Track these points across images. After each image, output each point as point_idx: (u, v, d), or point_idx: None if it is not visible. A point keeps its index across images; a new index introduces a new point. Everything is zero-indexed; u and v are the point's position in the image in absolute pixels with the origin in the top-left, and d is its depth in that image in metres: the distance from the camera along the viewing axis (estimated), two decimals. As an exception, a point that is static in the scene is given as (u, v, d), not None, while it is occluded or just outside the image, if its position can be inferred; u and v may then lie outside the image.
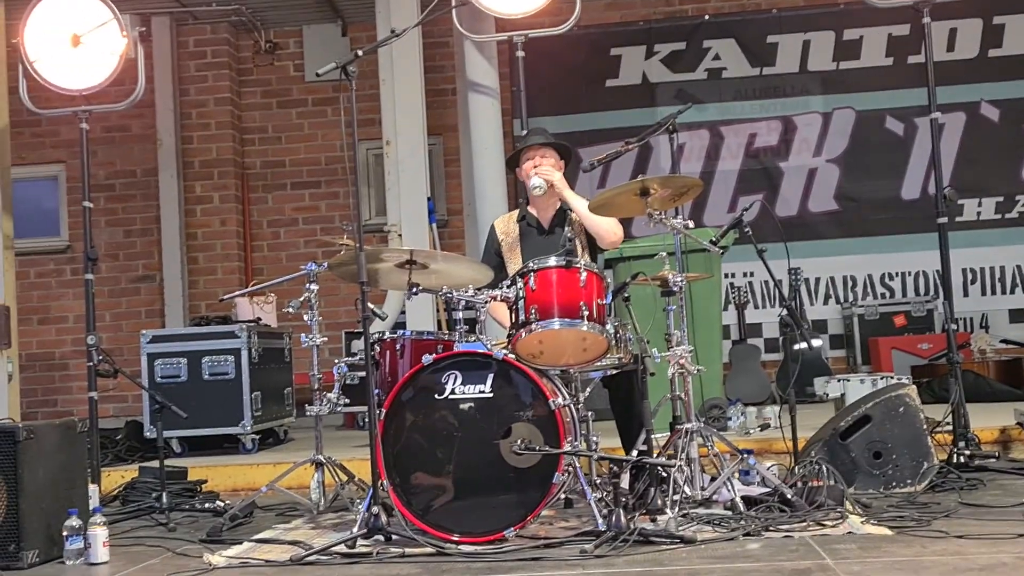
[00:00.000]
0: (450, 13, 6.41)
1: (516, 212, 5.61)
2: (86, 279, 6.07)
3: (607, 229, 5.23)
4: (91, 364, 5.76)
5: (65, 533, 4.47)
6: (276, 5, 10.69)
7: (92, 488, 5.04)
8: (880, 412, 5.03)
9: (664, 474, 4.44)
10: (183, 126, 11.10)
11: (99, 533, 4.44)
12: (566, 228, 5.19)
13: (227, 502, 5.66)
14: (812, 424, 5.52)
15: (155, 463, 5.84)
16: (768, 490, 4.57)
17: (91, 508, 4.67)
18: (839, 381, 6.60)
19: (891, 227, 10.26)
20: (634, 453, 4.68)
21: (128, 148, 10.99)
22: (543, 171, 5.23)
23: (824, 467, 4.60)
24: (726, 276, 8.64)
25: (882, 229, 10.30)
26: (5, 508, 4.42)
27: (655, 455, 4.64)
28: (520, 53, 6.45)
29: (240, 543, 4.56)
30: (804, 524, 4.15)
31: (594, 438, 4.67)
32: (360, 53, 4.88)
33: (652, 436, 4.68)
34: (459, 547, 4.06)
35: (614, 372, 4.79)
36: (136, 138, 10.95)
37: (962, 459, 5.44)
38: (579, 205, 5.23)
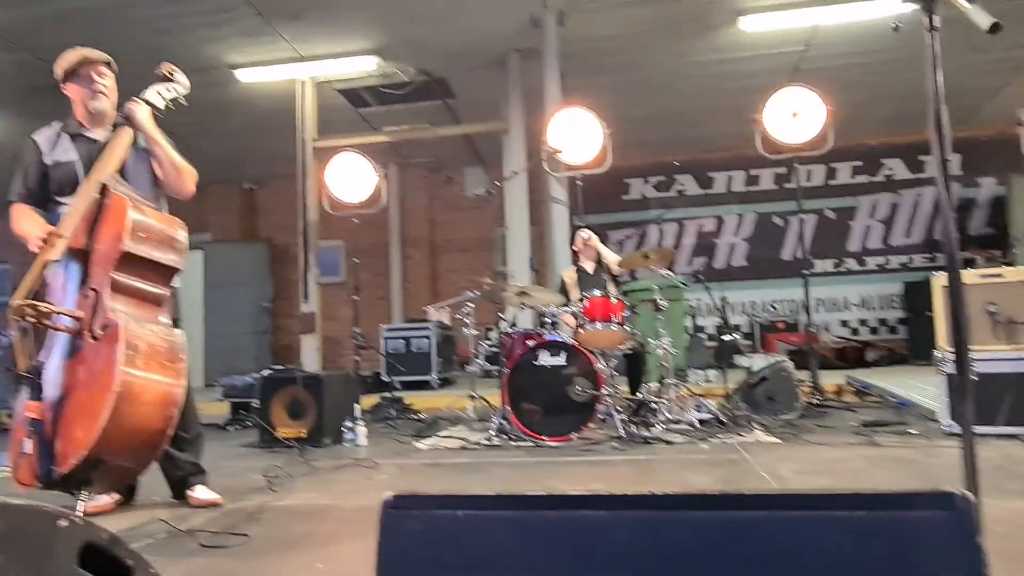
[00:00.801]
0: (541, 160, 6.44)
1: (573, 266, 5.60)
2: (354, 299, 6.19)
3: (613, 261, 5.26)
4: (356, 342, 5.87)
5: (343, 429, 4.57)
6: (451, 156, 10.81)
7: (356, 406, 5.12)
8: (772, 374, 4.92)
9: (655, 406, 4.40)
10: (403, 220, 11.28)
11: (361, 429, 4.54)
12: (601, 275, 5.18)
13: (424, 415, 5.72)
14: (734, 380, 5.41)
15: (388, 394, 5.94)
16: (711, 416, 4.49)
17: (356, 416, 4.76)
18: (748, 357, 6.49)
19: (776, 274, 10.04)
20: (639, 395, 4.64)
21: (375, 231, 11.19)
22: (584, 234, 5.32)
23: (742, 404, 4.52)
24: (686, 300, 8.54)
25: (771, 275, 10.08)
26: (315, 416, 4.53)
27: (650, 396, 4.59)
28: (579, 182, 6.46)
29: (431, 437, 4.61)
30: (731, 435, 4.09)
31: (618, 387, 4.65)
32: (497, 183, 4.93)
33: (648, 386, 4.63)
34: (547, 443, 4.07)
35: (628, 352, 4.74)
36: (379, 226, 11.14)
37: (816, 401, 5.28)
38: (607, 253, 5.29)
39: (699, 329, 9.65)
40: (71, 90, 2.75)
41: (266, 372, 4.83)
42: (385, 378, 7.58)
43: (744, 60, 7.69)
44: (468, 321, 5.40)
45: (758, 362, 6.12)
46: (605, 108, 7.52)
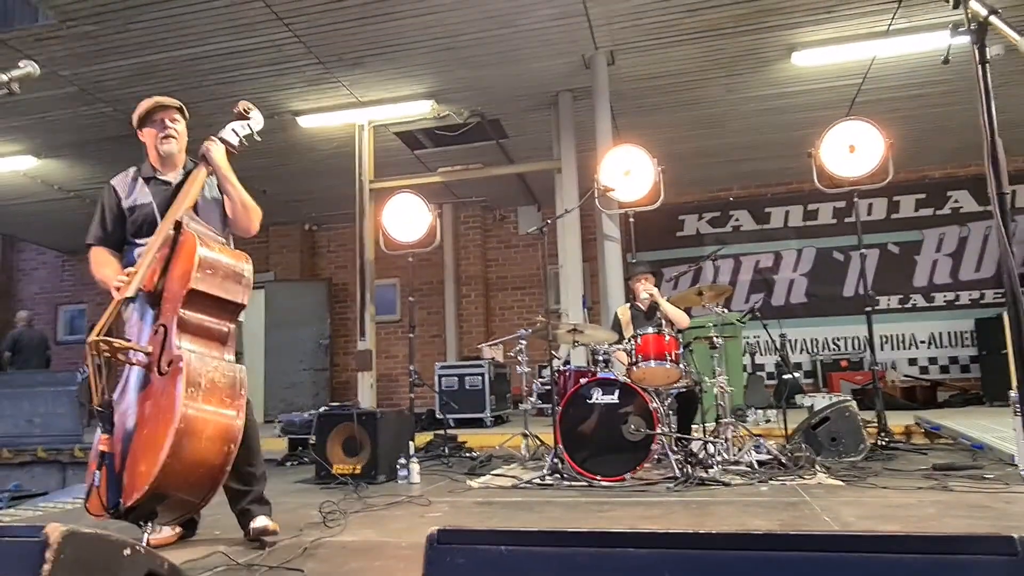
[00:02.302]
0: (594, 198, 6.47)
1: (628, 304, 5.55)
2: (409, 336, 6.26)
3: (680, 319, 5.04)
4: (411, 379, 5.92)
5: (398, 467, 4.59)
6: (504, 196, 10.97)
7: (411, 444, 5.15)
8: (835, 414, 4.76)
9: (712, 446, 4.31)
10: (457, 259, 11.42)
11: (415, 467, 4.55)
12: (656, 313, 5.12)
13: (477, 453, 5.71)
14: (794, 421, 5.24)
15: (442, 432, 5.95)
16: (771, 457, 4.37)
17: (410, 454, 4.78)
18: (810, 397, 6.29)
19: (837, 311, 9.75)
20: (695, 435, 4.55)
21: (429, 270, 11.37)
22: (649, 289, 5.16)
23: (803, 445, 4.38)
24: (744, 337, 8.36)
25: (832, 312, 9.80)
26: (370, 452, 4.57)
27: (707, 436, 4.49)
28: (631, 219, 6.47)
29: (484, 475, 4.60)
30: (792, 477, 3.98)
31: (673, 426, 4.57)
32: (550, 221, 4.98)
33: (705, 425, 4.54)
34: (600, 483, 4.02)
35: (683, 390, 4.65)
36: (434, 265, 11.31)
37: (883, 443, 5.06)
38: (666, 307, 5.11)
39: (758, 367, 9.42)
40: (145, 135, 2.90)
41: (323, 409, 4.92)
42: (439, 415, 7.61)
43: (799, 94, 7.62)
44: (521, 359, 5.41)
45: (820, 401, 5.92)
46: (657, 145, 7.56)
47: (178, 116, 2.93)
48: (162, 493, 2.29)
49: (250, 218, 2.91)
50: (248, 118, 3.00)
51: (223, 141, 2.93)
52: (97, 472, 2.33)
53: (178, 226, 2.65)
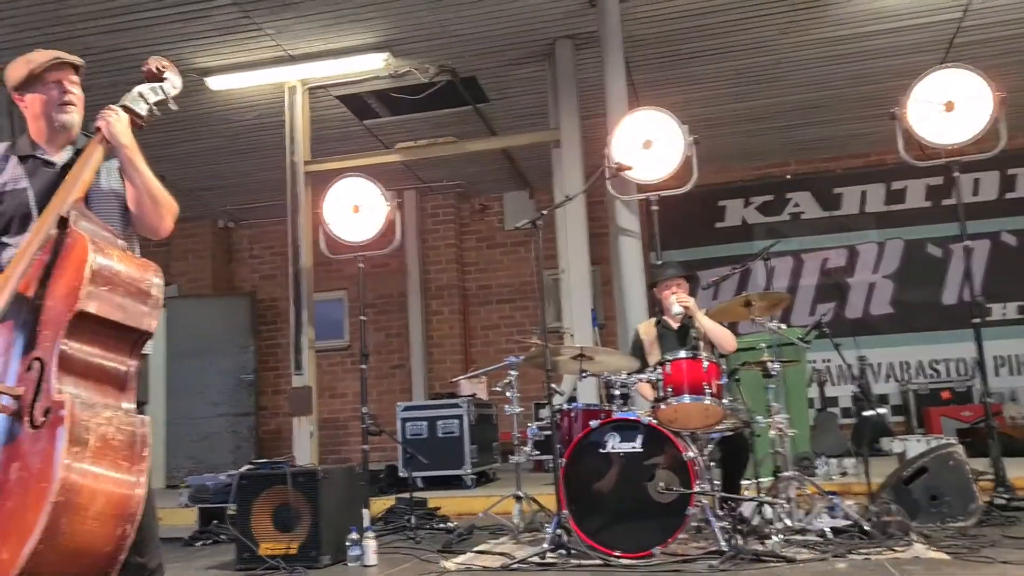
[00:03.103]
0: (604, 180, 6.49)
1: (653, 319, 5.54)
2: (361, 368, 6.24)
3: (725, 340, 4.96)
4: (364, 426, 5.89)
5: (348, 543, 4.57)
6: (485, 179, 11.00)
7: (365, 512, 5.12)
8: (935, 464, 4.76)
9: (770, 509, 4.31)
10: (424, 263, 11.43)
11: (371, 544, 4.53)
12: (692, 331, 5.11)
13: (455, 523, 5.68)
14: (880, 473, 5.23)
15: (406, 495, 5.93)
16: (850, 523, 4.35)
17: (365, 526, 4.75)
18: (900, 440, 6.32)
19: (935, 325, 9.83)
20: (747, 493, 4.56)
21: (388, 278, 11.37)
22: (682, 299, 5.03)
23: (893, 506, 4.40)
24: (810, 362, 8.38)
25: (928, 326, 9.87)
26: (309, 525, 4.54)
27: (761, 495, 4.50)
28: (655, 207, 6.49)
29: (464, 553, 4.57)
30: (879, 550, 3.96)
31: (716, 482, 4.57)
32: (546, 211, 4.98)
33: (759, 481, 4.55)
34: (620, 560, 4.02)
35: (729, 434, 4.64)
36: (393, 271, 11.31)
37: (1002, 501, 5.06)
38: (705, 322, 5.02)
39: (829, 402, 9.42)
40: (32, 101, 2.83)
41: (246, 468, 4.88)
42: (403, 473, 7.57)
43: (877, 35, 7.67)
44: (511, 395, 5.39)
45: (914, 446, 5.93)
46: (688, 107, 7.59)
47: (75, 77, 2.91)
48: None
49: (160, 214, 2.86)
50: (162, 79, 2.97)
51: (127, 110, 2.88)
52: None
53: (63, 223, 2.60)
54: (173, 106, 3.00)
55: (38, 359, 2.44)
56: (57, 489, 2.22)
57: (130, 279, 2.55)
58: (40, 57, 2.85)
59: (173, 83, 2.99)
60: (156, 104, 2.95)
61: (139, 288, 2.57)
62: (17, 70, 2.83)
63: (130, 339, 2.56)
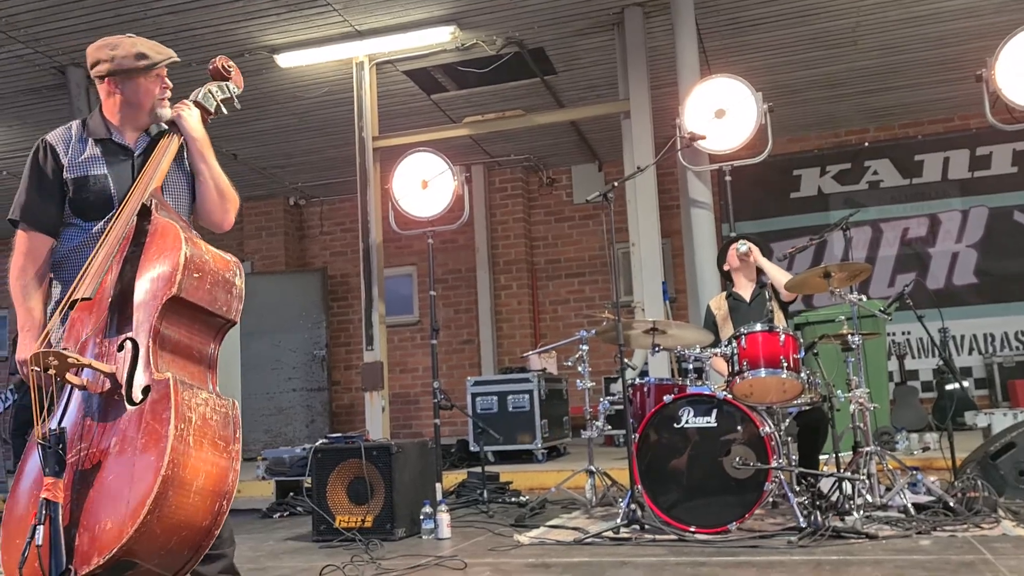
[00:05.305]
0: (676, 151, 6.40)
1: (724, 292, 5.48)
2: (431, 343, 6.28)
3: (780, 276, 5.05)
4: (435, 401, 5.93)
5: (421, 516, 4.62)
6: (553, 152, 10.96)
7: (437, 486, 5.17)
8: (1022, 438, 4.59)
9: (850, 484, 4.24)
10: (492, 238, 11.45)
11: (444, 517, 4.58)
12: (766, 301, 5.04)
13: (526, 497, 5.71)
14: (964, 447, 5.09)
15: (478, 469, 5.96)
16: (933, 499, 4.26)
17: (438, 500, 4.81)
18: (985, 414, 6.15)
19: (1021, 295, 9.59)
20: (826, 468, 4.49)
21: (457, 254, 11.43)
22: (746, 249, 5.15)
23: (979, 481, 4.28)
24: (889, 334, 8.20)
25: (1014, 297, 9.61)
26: (383, 498, 4.61)
27: (840, 471, 4.41)
28: (728, 177, 6.40)
29: (537, 527, 4.60)
30: (965, 527, 3.88)
31: (793, 457, 4.51)
32: (616, 184, 4.94)
33: (838, 455, 4.48)
34: (695, 535, 4.01)
35: (806, 408, 4.57)
36: (462, 247, 11.37)
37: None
38: (763, 262, 5.13)
39: (910, 375, 9.27)
40: (131, 88, 2.82)
41: (320, 442, 4.96)
42: (474, 447, 7.63)
43: (959, -4, 7.40)
44: (582, 370, 5.38)
45: (1000, 420, 5.77)
46: (761, 74, 7.42)
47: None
48: (131, 559, 2.28)
49: (226, 208, 2.92)
50: (228, 77, 3.02)
51: (198, 105, 2.93)
52: (39, 528, 2.33)
53: (145, 211, 2.66)
54: (237, 105, 3.05)
55: (130, 339, 2.51)
56: (167, 463, 2.28)
57: (216, 269, 2.64)
58: (163, 51, 2.85)
59: (237, 83, 3.05)
60: (222, 102, 3.00)
61: (224, 278, 2.66)
62: (124, 52, 2.80)
63: (216, 325, 2.65)
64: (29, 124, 8.81)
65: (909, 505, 4.18)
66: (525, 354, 8.68)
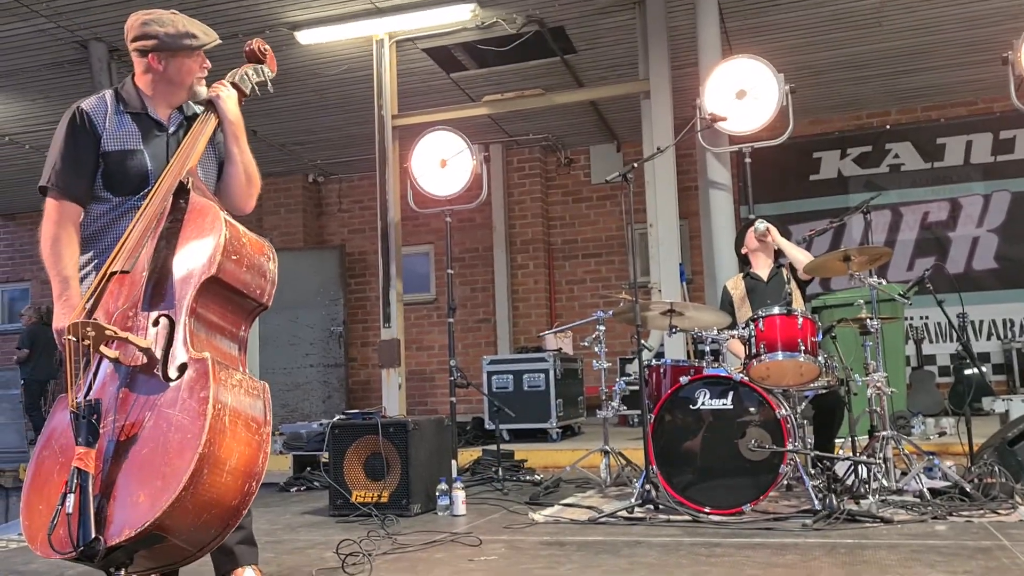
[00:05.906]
0: (696, 132, 6.37)
1: (741, 274, 5.45)
2: (448, 321, 6.30)
3: (800, 255, 5.04)
4: (451, 378, 5.95)
5: (437, 493, 4.65)
6: (572, 132, 10.91)
7: (453, 463, 5.20)
8: (1040, 424, 4.58)
9: (866, 468, 4.23)
10: (509, 217, 11.43)
11: (459, 494, 4.61)
12: (784, 283, 5.03)
13: (541, 476, 5.74)
14: (981, 433, 5.06)
15: (493, 447, 5.99)
16: (949, 484, 4.25)
17: (453, 477, 4.83)
18: (1003, 400, 6.12)
19: (1044, 280, 9.51)
20: (841, 452, 4.49)
21: (474, 233, 11.42)
22: (764, 227, 5.16)
23: (996, 467, 4.26)
24: (907, 319, 8.17)
25: (1034, 281, 9.54)
26: (399, 475, 4.64)
27: (856, 454, 4.41)
28: (747, 160, 6.37)
29: (552, 505, 4.62)
30: (981, 512, 3.87)
31: (809, 440, 4.51)
32: (636, 164, 4.92)
33: (855, 439, 4.48)
34: (709, 516, 4.02)
35: (823, 392, 4.57)
36: (479, 226, 11.35)
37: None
38: (781, 241, 5.14)
39: (927, 359, 9.21)
40: (174, 65, 2.79)
41: (338, 418, 5.00)
42: (489, 426, 7.67)
43: (986, -24, 7.30)
44: (598, 350, 5.38)
45: (1018, 406, 5.74)
46: (782, 55, 7.35)
47: None
48: (161, 534, 2.29)
49: (250, 192, 2.94)
50: (263, 60, 3.04)
51: (235, 87, 2.93)
52: (70, 496, 2.34)
53: (182, 189, 2.66)
54: (270, 88, 3.07)
55: (165, 315, 2.52)
56: (204, 441, 2.30)
57: (252, 252, 2.67)
58: (210, 32, 2.84)
59: (271, 66, 3.08)
60: (258, 85, 3.01)
61: (259, 262, 2.69)
62: (174, 37, 2.77)
63: (248, 308, 2.69)
64: (52, 99, 8.84)
65: (925, 490, 4.18)
66: (541, 334, 8.68)
